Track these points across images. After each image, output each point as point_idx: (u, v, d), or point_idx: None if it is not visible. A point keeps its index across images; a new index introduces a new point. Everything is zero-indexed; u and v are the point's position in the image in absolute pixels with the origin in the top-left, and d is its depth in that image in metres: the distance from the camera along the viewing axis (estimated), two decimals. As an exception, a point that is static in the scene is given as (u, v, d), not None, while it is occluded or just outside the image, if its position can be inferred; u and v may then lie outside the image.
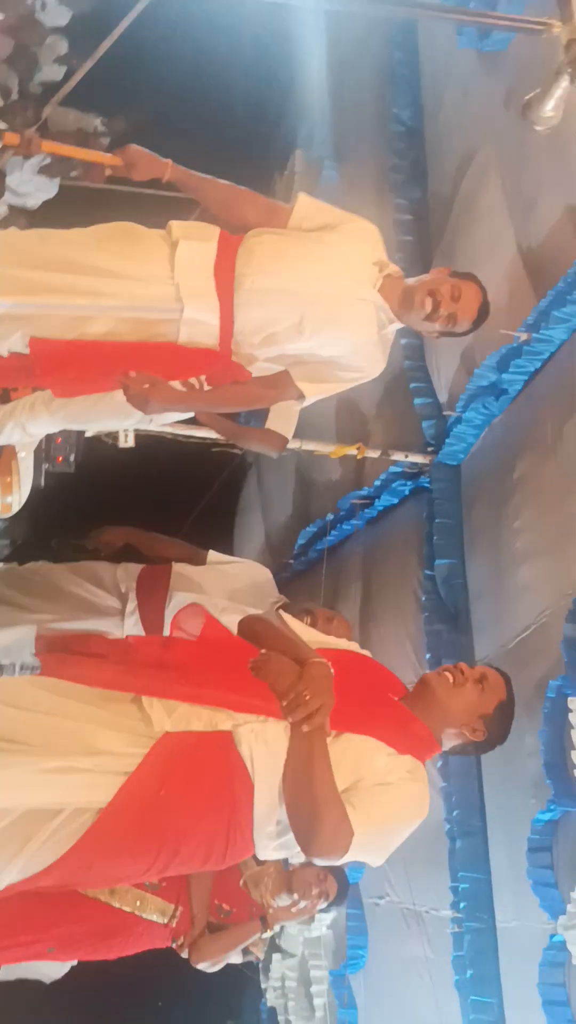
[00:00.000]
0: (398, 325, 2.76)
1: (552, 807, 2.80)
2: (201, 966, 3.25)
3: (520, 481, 3.43)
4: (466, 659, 3.66)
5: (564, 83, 2.07)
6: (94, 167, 6.68)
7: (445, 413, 4.09)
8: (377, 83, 5.16)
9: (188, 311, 2.58)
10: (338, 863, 2.21)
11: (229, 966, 3.88)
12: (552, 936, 2.77)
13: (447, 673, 2.35)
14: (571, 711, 2.66)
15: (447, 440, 4.03)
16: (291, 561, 5.53)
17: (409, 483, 4.39)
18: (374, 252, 2.73)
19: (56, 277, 2.55)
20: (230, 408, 2.99)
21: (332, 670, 2.21)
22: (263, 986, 5.22)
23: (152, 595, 3.49)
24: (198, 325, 2.60)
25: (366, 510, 4.75)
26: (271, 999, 5.12)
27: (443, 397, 4.15)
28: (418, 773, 2.24)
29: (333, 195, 5.75)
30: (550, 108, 2.12)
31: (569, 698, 2.68)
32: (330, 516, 5.02)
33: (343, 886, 3.38)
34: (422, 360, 4.34)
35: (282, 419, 3.31)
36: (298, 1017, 4.77)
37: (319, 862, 2.23)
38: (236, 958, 3.42)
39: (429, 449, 4.19)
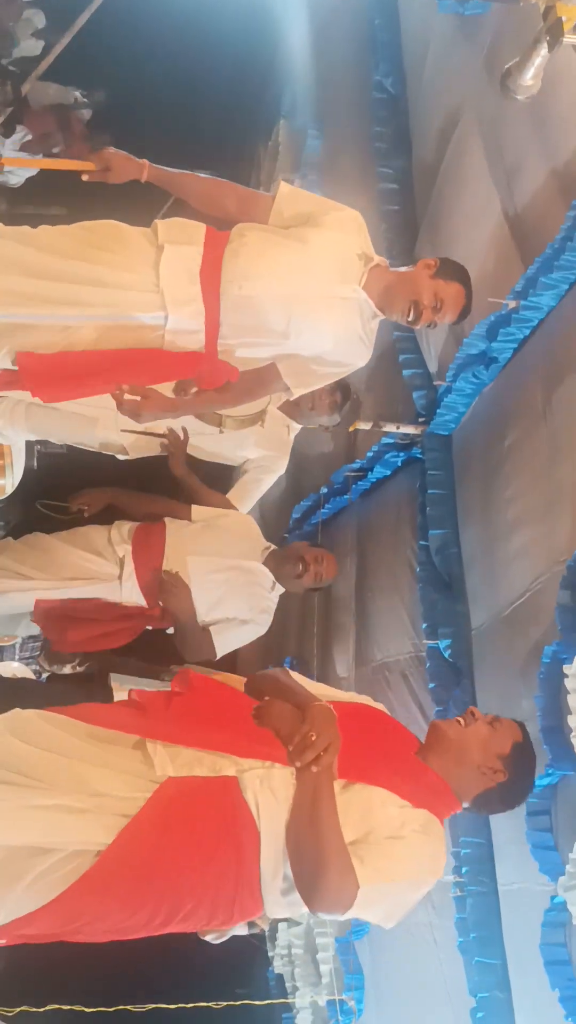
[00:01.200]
0: (381, 317, 2.79)
1: (550, 771, 2.83)
2: (208, 937, 3.30)
3: (511, 449, 3.44)
4: (462, 628, 3.70)
5: (543, 51, 2.06)
6: (76, 142, 6.63)
7: (435, 383, 4.08)
8: (359, 50, 5.11)
9: (172, 320, 2.60)
10: (342, 918, 2.11)
11: (236, 937, 3.94)
12: (553, 898, 2.81)
13: (458, 717, 2.32)
14: (567, 676, 2.67)
15: (438, 410, 4.03)
16: (286, 535, 5.55)
17: (401, 454, 4.39)
18: (358, 243, 2.74)
19: (41, 286, 2.55)
20: (221, 407, 3.03)
21: (335, 713, 2.15)
22: (270, 954, 5.30)
23: (148, 560, 3.53)
24: (183, 333, 2.62)
25: (359, 483, 4.76)
26: (278, 967, 5.20)
27: (433, 367, 4.15)
28: (433, 829, 2.15)
29: (317, 164, 5.70)
30: (529, 77, 2.11)
31: (564, 664, 2.70)
32: (324, 490, 5.03)
33: None
34: (411, 331, 4.33)
35: (241, 494, 3.52)
36: (305, 983, 4.84)
37: (322, 916, 2.17)
38: (242, 930, 3.46)
39: (420, 420, 4.19)
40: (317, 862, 1.97)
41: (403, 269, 2.81)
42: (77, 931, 2.08)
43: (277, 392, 2.92)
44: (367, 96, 4.91)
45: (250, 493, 3.92)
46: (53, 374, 2.60)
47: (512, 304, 3.37)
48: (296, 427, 3.98)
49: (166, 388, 2.75)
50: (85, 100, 7.07)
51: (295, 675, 2.37)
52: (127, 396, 2.66)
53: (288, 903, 2.08)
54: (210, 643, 3.56)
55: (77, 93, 7.05)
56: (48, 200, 7.03)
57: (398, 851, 2.07)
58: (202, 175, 2.79)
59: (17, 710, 2.21)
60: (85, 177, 2.77)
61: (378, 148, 4.72)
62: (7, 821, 1.98)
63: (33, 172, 6.76)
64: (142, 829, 1.99)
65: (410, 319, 2.72)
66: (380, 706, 2.48)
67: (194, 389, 2.71)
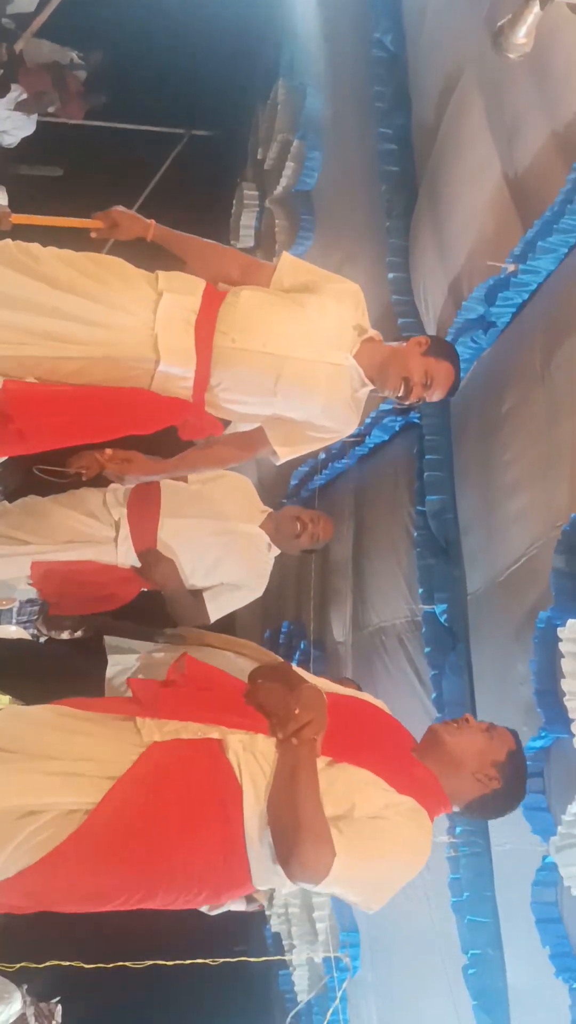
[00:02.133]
0: (371, 387, 2.83)
1: (543, 734, 2.86)
2: (203, 908, 3.35)
3: (509, 414, 3.43)
4: (458, 593, 3.72)
5: (535, 8, 2.02)
6: (72, 101, 6.56)
7: (433, 347, 4.06)
8: (358, 8, 5.02)
9: (164, 365, 2.61)
10: (319, 887, 2.10)
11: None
12: (544, 858, 2.85)
13: (453, 722, 2.35)
14: (561, 640, 2.69)
15: (436, 375, 4.01)
16: (284, 501, 5.55)
17: (399, 419, 4.38)
18: (355, 315, 2.78)
19: (36, 321, 2.53)
20: (206, 469, 3.07)
21: (324, 695, 2.19)
22: (267, 913, 5.38)
23: (144, 522, 3.55)
24: (173, 378, 2.64)
25: (357, 448, 4.75)
26: (275, 925, 5.28)
27: (431, 331, 4.12)
28: (418, 817, 2.16)
29: (316, 124, 5.63)
30: (521, 35, 2.07)
31: (559, 628, 2.71)
32: (322, 455, 5.03)
33: None
34: (410, 295, 4.30)
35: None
36: (302, 941, 4.92)
37: (300, 884, 2.13)
38: (240, 906, 3.52)
39: (419, 384, 4.16)
40: (294, 828, 1.99)
41: (395, 344, 2.87)
42: (65, 898, 2.09)
43: (263, 455, 2.95)
44: (366, 55, 4.84)
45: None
46: (40, 408, 2.57)
47: (511, 268, 3.35)
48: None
49: None
50: (81, 62, 6.98)
51: (298, 669, 2.40)
52: (111, 464, 2.80)
53: (278, 873, 2.09)
54: (203, 608, 3.59)
55: (74, 54, 6.96)
56: (44, 160, 6.96)
57: (379, 829, 2.08)
58: (206, 241, 2.82)
59: (35, 708, 2.28)
60: (93, 235, 2.81)
61: (378, 108, 4.66)
62: (2, 785, 2.02)
63: (29, 132, 6.67)
64: (129, 788, 2.03)
65: (400, 395, 2.78)
66: (381, 703, 2.50)
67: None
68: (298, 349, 2.67)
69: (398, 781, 2.16)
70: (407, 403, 2.84)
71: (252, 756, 2.08)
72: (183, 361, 2.61)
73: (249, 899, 3.52)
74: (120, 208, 2.77)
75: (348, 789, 2.10)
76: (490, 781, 2.28)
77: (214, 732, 2.11)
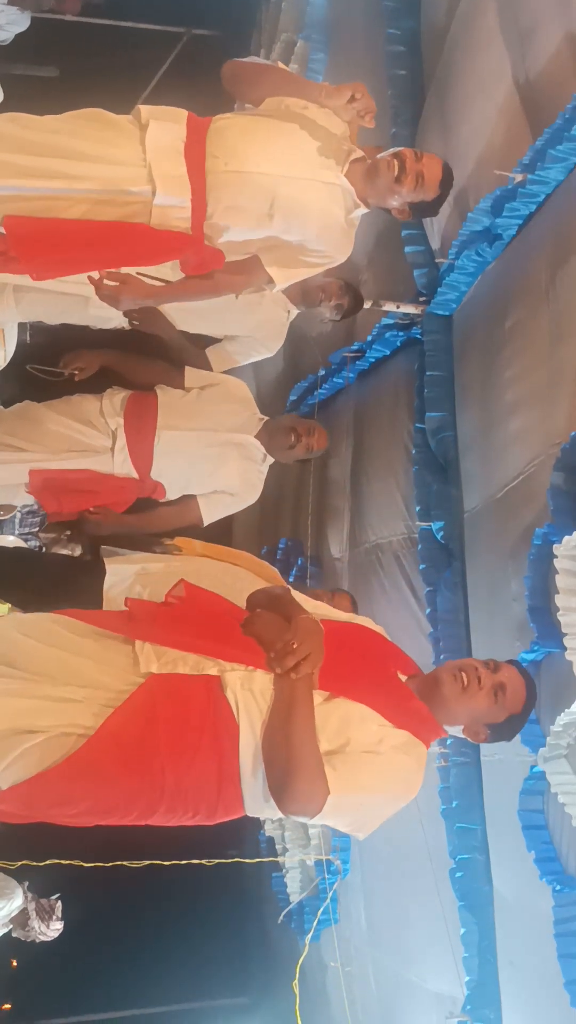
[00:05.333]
0: (364, 210, 2.81)
1: (535, 648, 2.90)
2: None
3: (512, 330, 3.38)
4: (455, 512, 3.73)
5: None
6: (71, -1, 6.10)
7: (437, 261, 3.99)
8: None
9: (160, 195, 2.60)
10: (312, 820, 2.12)
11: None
12: (532, 767, 2.92)
13: (463, 675, 2.25)
14: (556, 557, 2.71)
15: (439, 289, 3.94)
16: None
17: (401, 334, 4.32)
18: (341, 135, 2.76)
19: (29, 160, 2.55)
20: (201, 297, 3.02)
21: (321, 626, 2.16)
22: (261, 818, 5.53)
23: (141, 432, 3.56)
24: (170, 208, 2.62)
25: (358, 362, 4.70)
26: (269, 830, 5.44)
27: (436, 244, 4.04)
28: (414, 750, 2.16)
29: (321, 24, 5.43)
30: None
31: (555, 544, 2.73)
32: (322, 371, 4.98)
33: None
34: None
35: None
36: (295, 845, 5.08)
37: (293, 817, 2.15)
38: None
39: (421, 299, 4.10)
40: (288, 764, 2.00)
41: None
42: (59, 813, 2.11)
43: (260, 284, 2.91)
44: (375, -50, 4.63)
45: (233, 362, 3.89)
46: (41, 242, 2.60)
47: (518, 178, 3.27)
48: (295, 312, 3.93)
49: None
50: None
51: (296, 594, 2.37)
52: (106, 281, 2.68)
53: (270, 805, 2.10)
54: (196, 510, 3.63)
55: None
56: (39, 59, 6.72)
57: (373, 765, 2.09)
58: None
59: (35, 615, 2.29)
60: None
61: (386, 7, 4.48)
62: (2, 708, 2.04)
63: (23, 27, 6.42)
64: (127, 717, 2.03)
65: (396, 172, 2.73)
66: (379, 629, 2.47)
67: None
68: (290, 168, 2.67)
69: (394, 715, 2.16)
70: (405, 186, 2.76)
71: (250, 694, 2.07)
72: (178, 189, 2.61)
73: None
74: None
75: (344, 725, 2.10)
76: (477, 736, 2.31)
77: (212, 668, 2.10)
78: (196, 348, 3.73)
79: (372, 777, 2.09)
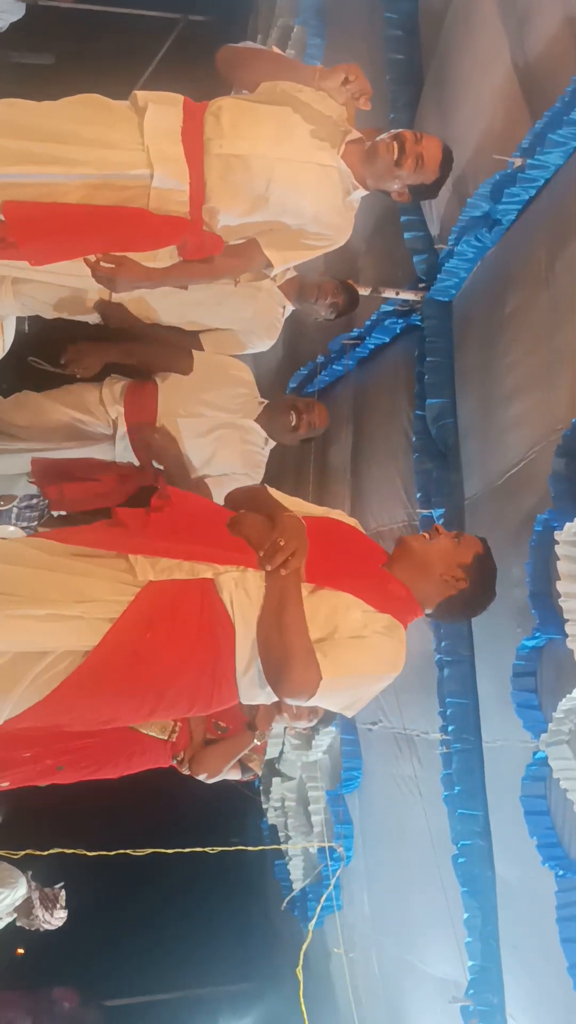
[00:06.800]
0: (362, 192, 2.82)
1: (537, 634, 2.90)
2: (201, 777, 3.43)
3: (512, 316, 3.37)
4: (455, 498, 3.72)
5: None
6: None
7: (437, 247, 3.97)
8: None
9: (158, 178, 2.61)
10: (307, 704, 2.28)
11: (233, 790, 4.10)
12: (535, 753, 2.93)
13: (424, 533, 2.47)
14: (557, 543, 2.70)
15: (439, 276, 3.93)
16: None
17: (400, 321, 4.31)
18: (337, 118, 2.76)
19: (28, 145, 2.55)
20: (198, 281, 3.02)
21: (304, 523, 2.29)
22: (264, 806, 5.55)
23: (141, 419, 3.54)
24: (169, 192, 2.63)
25: (357, 349, 4.69)
26: (272, 818, 5.46)
27: (435, 229, 4.02)
28: (395, 632, 2.31)
29: (318, 8, 5.40)
30: None
31: (556, 531, 2.73)
32: (321, 358, 4.96)
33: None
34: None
35: (218, 343, 3.48)
36: (297, 833, 5.09)
37: (289, 702, 2.32)
38: (236, 774, 3.60)
39: (420, 285, 4.09)
40: (283, 654, 2.14)
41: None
42: (74, 721, 2.27)
43: (258, 267, 2.90)
44: None
45: (228, 350, 3.86)
46: (40, 228, 2.58)
47: (518, 162, 3.25)
48: (290, 308, 3.91)
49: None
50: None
51: (272, 491, 2.49)
52: (102, 264, 2.68)
53: (264, 694, 2.25)
54: (208, 493, 3.62)
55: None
56: (35, 47, 6.67)
57: (359, 648, 2.23)
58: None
59: (1, 540, 2.35)
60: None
61: (384, -9, 4.45)
62: (2, 631, 2.11)
63: (18, 15, 6.37)
64: (126, 628, 2.13)
65: (395, 155, 2.74)
66: (353, 521, 2.61)
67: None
68: (286, 151, 2.68)
69: (376, 599, 2.30)
70: (405, 168, 2.77)
71: (244, 592, 2.20)
72: (177, 172, 2.62)
73: (244, 768, 3.61)
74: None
75: (331, 613, 2.23)
76: (457, 582, 2.41)
77: (207, 571, 2.20)
78: (175, 337, 3.66)
79: (360, 660, 2.24)
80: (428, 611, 2.47)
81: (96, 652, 2.12)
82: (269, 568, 2.20)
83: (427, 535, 2.46)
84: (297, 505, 2.48)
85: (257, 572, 2.22)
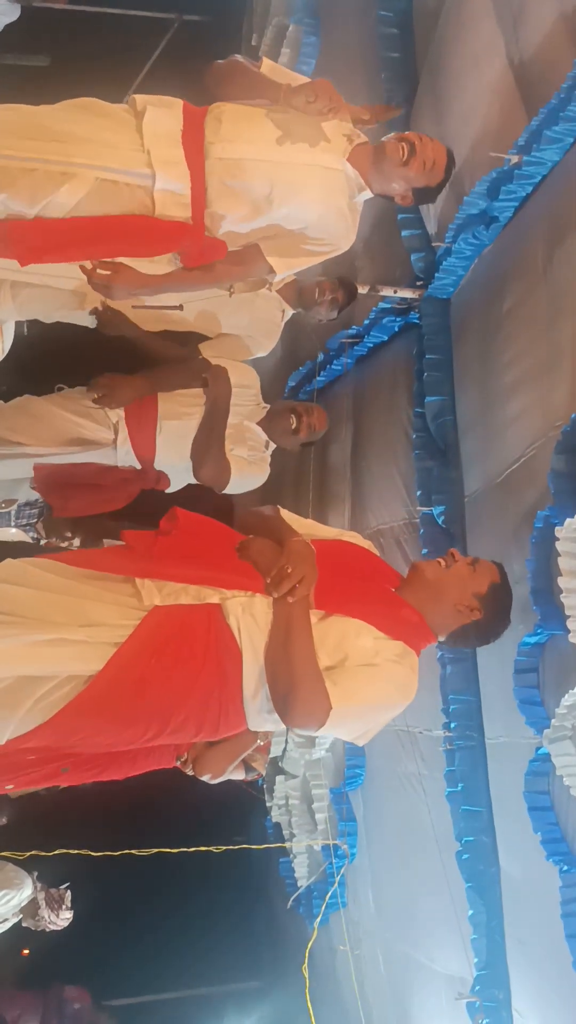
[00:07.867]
0: (368, 195, 2.78)
1: (539, 631, 2.91)
2: (205, 778, 3.43)
3: (510, 312, 3.37)
4: (456, 495, 3.73)
5: None
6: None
7: (434, 244, 3.97)
8: None
9: (160, 180, 2.57)
10: (316, 734, 2.23)
11: (237, 789, 4.10)
12: (538, 749, 2.93)
13: (439, 559, 2.39)
14: (558, 540, 2.71)
15: (437, 273, 3.93)
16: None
17: (399, 319, 4.31)
18: (342, 121, 2.71)
19: (27, 144, 2.52)
20: (198, 287, 2.99)
21: (313, 548, 2.24)
22: (268, 805, 5.56)
23: (142, 425, 3.54)
24: (171, 196, 2.59)
25: (356, 347, 4.69)
26: (276, 816, 5.46)
27: (432, 228, 4.03)
28: (407, 659, 2.25)
29: (312, 7, 5.40)
30: None
31: (556, 527, 2.73)
32: (320, 357, 4.96)
33: None
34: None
35: (219, 349, 3.44)
36: (301, 831, 5.10)
37: (298, 731, 2.27)
38: (239, 774, 3.60)
39: (419, 283, 4.09)
40: (290, 682, 2.09)
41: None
42: (75, 745, 2.23)
43: (260, 273, 2.87)
44: None
45: (234, 356, 3.84)
46: (35, 227, 2.55)
47: (514, 159, 3.25)
48: (290, 312, 3.90)
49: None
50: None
51: (285, 512, 2.44)
52: (99, 271, 2.64)
53: (272, 720, 2.20)
54: (227, 467, 3.58)
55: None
56: (30, 48, 6.67)
57: (371, 677, 2.18)
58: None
59: (8, 560, 2.29)
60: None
61: (378, -11, 4.45)
62: (7, 656, 2.09)
63: (12, 18, 6.37)
64: (131, 653, 2.10)
65: (404, 156, 2.71)
66: (368, 544, 2.54)
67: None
68: (290, 154, 2.63)
69: (388, 626, 2.24)
70: (413, 169, 2.74)
71: (251, 618, 2.15)
72: (178, 175, 2.58)
73: (248, 768, 3.61)
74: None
75: (341, 640, 2.18)
76: (471, 612, 2.34)
77: (214, 596, 2.17)
78: (170, 344, 3.63)
79: (371, 689, 2.19)
80: (441, 638, 2.40)
81: (99, 677, 2.08)
82: (276, 595, 2.15)
83: (442, 561, 2.38)
84: (310, 528, 2.43)
85: (265, 598, 2.17)
